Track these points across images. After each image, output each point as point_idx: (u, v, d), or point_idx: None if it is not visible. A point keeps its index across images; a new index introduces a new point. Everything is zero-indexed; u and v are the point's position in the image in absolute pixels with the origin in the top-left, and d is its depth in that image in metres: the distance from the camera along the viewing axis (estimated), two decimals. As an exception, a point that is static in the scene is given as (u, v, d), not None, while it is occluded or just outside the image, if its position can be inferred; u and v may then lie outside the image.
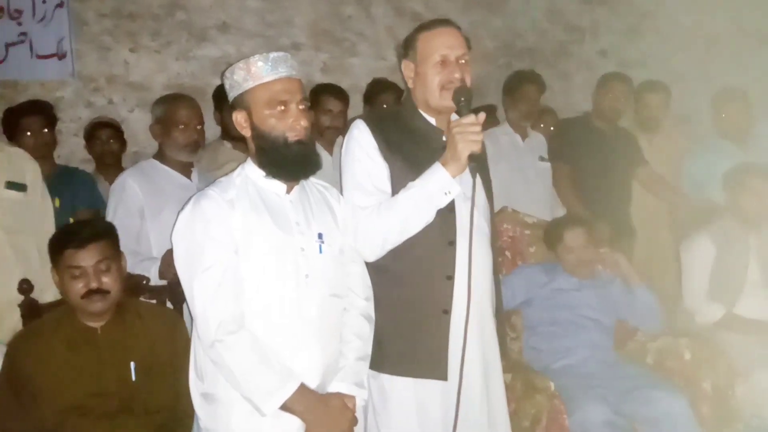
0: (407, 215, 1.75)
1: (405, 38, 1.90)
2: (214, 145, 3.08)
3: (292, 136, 1.67)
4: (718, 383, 2.48)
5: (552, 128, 3.74)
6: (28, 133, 2.80)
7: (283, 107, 1.67)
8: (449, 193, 1.73)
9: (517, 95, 3.34)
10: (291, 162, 1.69)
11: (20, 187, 2.25)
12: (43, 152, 2.77)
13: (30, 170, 2.33)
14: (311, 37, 4.14)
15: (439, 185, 1.72)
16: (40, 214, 2.25)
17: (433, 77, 1.81)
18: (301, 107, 1.69)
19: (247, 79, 1.67)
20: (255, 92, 1.67)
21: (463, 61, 1.82)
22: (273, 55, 1.69)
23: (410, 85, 1.89)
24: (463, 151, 1.68)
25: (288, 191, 1.74)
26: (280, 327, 1.66)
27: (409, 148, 1.83)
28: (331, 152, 3.12)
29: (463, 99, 1.74)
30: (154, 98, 2.94)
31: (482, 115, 1.72)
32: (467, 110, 1.72)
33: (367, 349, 1.80)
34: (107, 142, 3.26)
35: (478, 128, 1.70)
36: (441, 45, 1.81)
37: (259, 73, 1.67)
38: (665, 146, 3.61)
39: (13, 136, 2.83)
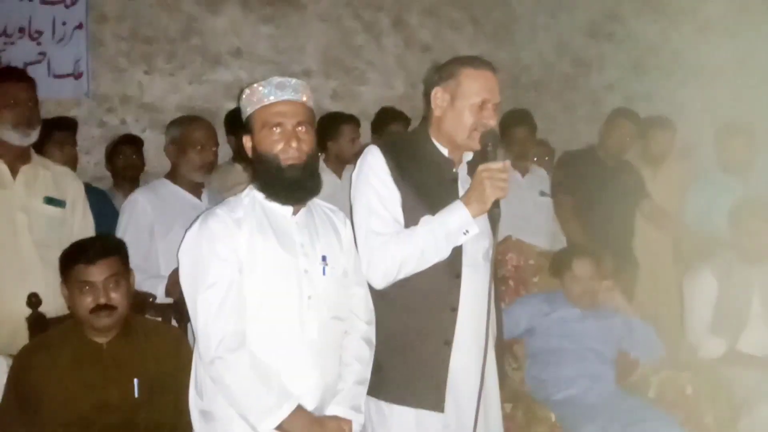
0: (425, 248, 1.76)
1: (442, 65, 1.88)
2: (225, 167, 3.13)
3: (284, 159, 1.67)
4: (720, 417, 2.47)
5: (547, 159, 3.76)
6: (60, 147, 2.86)
7: (279, 129, 1.68)
8: (467, 232, 1.76)
9: (508, 138, 3.31)
10: (283, 186, 1.69)
11: (59, 203, 2.28)
12: (71, 167, 2.81)
13: (73, 189, 2.37)
14: (322, 64, 4.22)
15: (459, 224, 1.75)
16: (79, 231, 2.28)
17: (469, 117, 1.81)
18: (299, 129, 1.69)
19: (251, 103, 1.71)
20: (256, 115, 1.71)
21: (496, 109, 1.86)
22: (276, 79, 1.71)
23: (438, 113, 1.85)
24: (491, 196, 1.72)
25: (294, 213, 1.75)
26: (280, 347, 1.67)
27: (421, 177, 1.84)
28: (340, 176, 3.16)
29: (490, 144, 1.77)
30: (166, 120, 2.98)
31: (508, 162, 1.78)
32: (494, 155, 1.76)
33: (366, 373, 1.80)
34: (131, 156, 3.33)
35: (506, 175, 1.74)
36: (485, 88, 1.81)
37: (260, 96, 1.70)
38: (669, 179, 3.62)
39: (39, 148, 2.77)
